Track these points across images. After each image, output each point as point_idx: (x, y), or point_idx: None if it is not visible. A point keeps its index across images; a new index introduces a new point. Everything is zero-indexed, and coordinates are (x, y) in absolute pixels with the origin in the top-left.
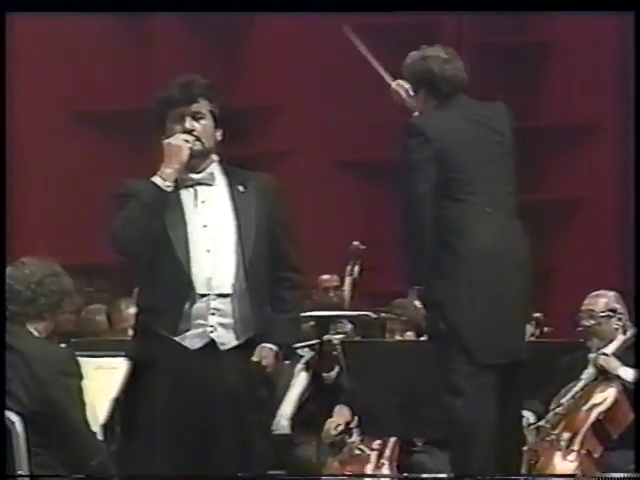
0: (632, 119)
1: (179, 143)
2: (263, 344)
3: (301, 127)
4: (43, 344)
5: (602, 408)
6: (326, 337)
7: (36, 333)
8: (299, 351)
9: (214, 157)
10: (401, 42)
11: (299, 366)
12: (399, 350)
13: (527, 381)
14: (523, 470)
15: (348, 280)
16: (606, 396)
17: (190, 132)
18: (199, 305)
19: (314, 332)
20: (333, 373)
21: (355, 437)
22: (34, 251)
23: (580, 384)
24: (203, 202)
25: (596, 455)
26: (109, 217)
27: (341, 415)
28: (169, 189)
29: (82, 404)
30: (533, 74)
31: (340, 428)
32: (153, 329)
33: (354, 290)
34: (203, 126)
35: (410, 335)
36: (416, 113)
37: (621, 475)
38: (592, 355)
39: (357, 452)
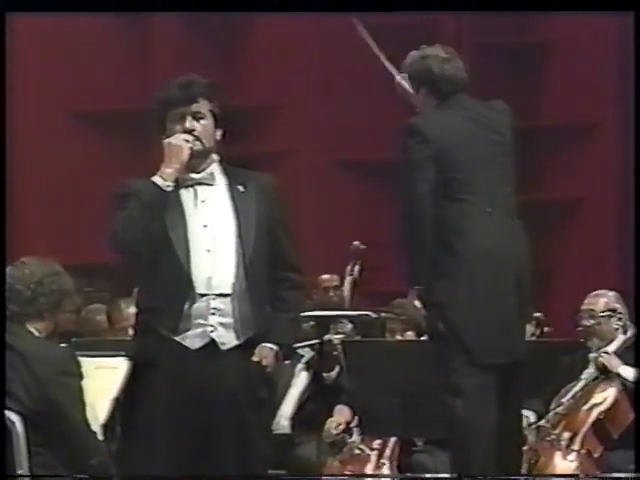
0: (632, 119)
1: (179, 143)
2: (263, 344)
3: (301, 127)
4: (43, 344)
5: (602, 408)
6: (326, 337)
7: (36, 333)
8: (299, 351)
9: (214, 157)
10: (401, 42)
11: (299, 366)
12: (399, 350)
13: (527, 381)
14: (523, 470)
15: (348, 280)
16: (606, 396)
17: (190, 132)
18: (199, 305)
19: (314, 332)
20: (333, 373)
21: (355, 437)
22: (34, 251)
23: (580, 384)
24: (203, 202)
25: (596, 455)
26: (109, 217)
27: (341, 415)
28: (169, 189)
29: (82, 404)
30: (533, 74)
31: (341, 427)
32: (153, 329)
33: (354, 290)
34: (203, 126)
35: (410, 335)
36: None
37: (621, 475)
38: (592, 355)
39: (357, 452)
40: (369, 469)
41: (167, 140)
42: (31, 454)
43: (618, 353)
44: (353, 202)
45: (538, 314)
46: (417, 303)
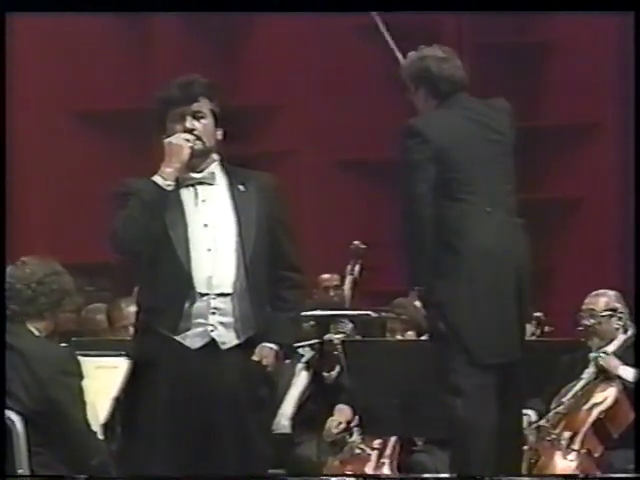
0: (632, 119)
1: (180, 142)
2: (264, 343)
3: (301, 127)
4: (43, 343)
5: (603, 407)
6: (327, 336)
7: (36, 332)
8: (300, 350)
9: (214, 156)
10: (401, 42)
11: (300, 365)
12: (400, 350)
13: (527, 380)
14: (523, 470)
15: (349, 279)
16: (606, 395)
17: (191, 131)
18: (199, 304)
19: (315, 331)
20: (334, 372)
21: (356, 436)
22: (34, 250)
23: (581, 383)
24: (204, 201)
25: (596, 454)
26: (109, 216)
27: (342, 414)
28: (169, 188)
29: (82, 403)
30: (533, 74)
31: (342, 426)
32: (153, 328)
33: (355, 289)
34: (204, 125)
35: (411, 335)
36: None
37: (621, 475)
38: (593, 354)
39: (357, 451)
40: (369, 469)
41: (167, 140)
42: (31, 454)
43: (618, 353)
44: (353, 202)
45: (538, 314)
46: (417, 303)
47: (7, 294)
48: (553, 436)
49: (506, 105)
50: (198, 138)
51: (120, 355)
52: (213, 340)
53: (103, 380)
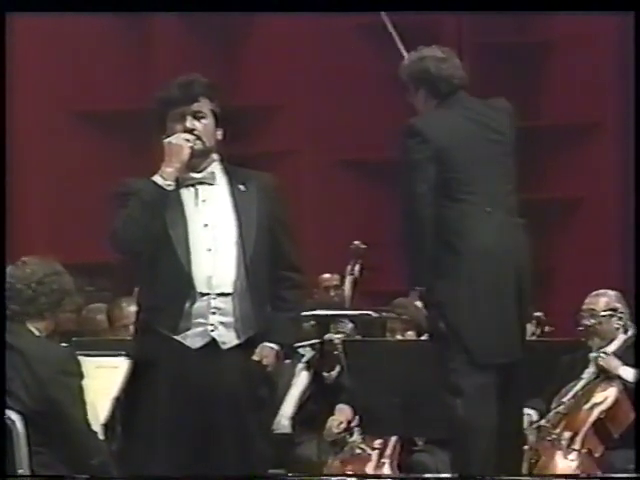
0: (632, 119)
1: (180, 142)
2: (264, 343)
3: (301, 127)
4: (43, 343)
5: (603, 407)
6: (327, 336)
7: (37, 332)
8: (300, 350)
9: (215, 156)
10: (401, 42)
11: (300, 365)
12: (400, 349)
13: (528, 380)
14: (524, 469)
15: (349, 279)
16: (607, 395)
17: (191, 131)
18: (200, 304)
19: (315, 331)
20: (334, 372)
21: (356, 436)
22: (35, 250)
23: (581, 383)
24: (204, 201)
25: (597, 454)
26: (110, 216)
27: (342, 414)
28: (170, 188)
29: (83, 403)
30: (533, 74)
31: (342, 426)
32: (154, 328)
33: (355, 289)
34: (204, 125)
35: (411, 334)
36: None
37: (622, 475)
38: (593, 354)
39: (358, 451)
40: (370, 468)
41: (167, 140)
42: (31, 454)
43: (618, 353)
44: (353, 202)
45: (539, 314)
46: (418, 303)
47: (7, 294)
48: (554, 436)
49: (506, 105)
50: (198, 138)
51: (120, 355)
52: (213, 340)
53: (103, 380)
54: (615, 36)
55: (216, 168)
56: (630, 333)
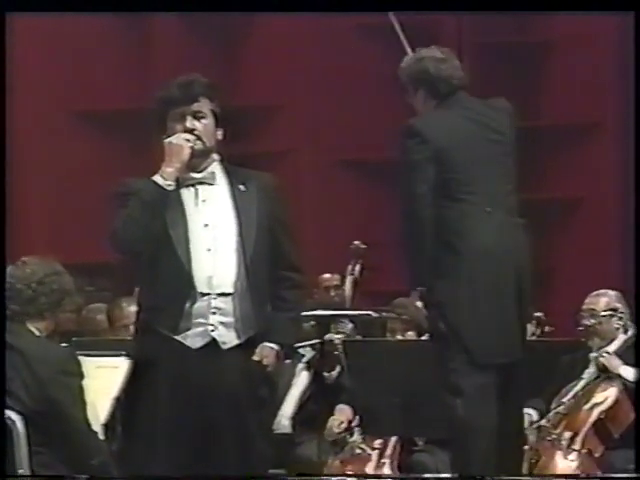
0: (632, 119)
1: (180, 142)
2: (264, 343)
3: (301, 126)
4: (44, 343)
5: (603, 407)
6: (327, 336)
7: (37, 332)
8: (300, 350)
9: (215, 156)
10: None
11: (300, 365)
12: (400, 350)
13: (528, 380)
14: (524, 469)
15: (349, 279)
16: (607, 395)
17: (191, 131)
18: (200, 304)
19: (315, 331)
20: (334, 372)
21: (356, 436)
22: (35, 250)
23: (581, 383)
24: (204, 201)
25: (597, 454)
26: (110, 216)
27: (342, 414)
28: (170, 188)
29: (83, 403)
30: (533, 74)
31: (343, 426)
32: (154, 328)
33: (355, 289)
34: (204, 125)
35: (411, 334)
36: None
37: (622, 475)
38: (593, 354)
39: (358, 451)
40: (370, 468)
41: (168, 139)
42: (32, 454)
43: (619, 353)
44: (353, 202)
45: (539, 314)
46: (419, 303)
47: (7, 294)
48: (554, 436)
49: (506, 105)
50: (198, 138)
51: (120, 355)
52: (214, 340)
53: (103, 380)
54: (615, 36)
55: (216, 168)
56: (630, 333)
